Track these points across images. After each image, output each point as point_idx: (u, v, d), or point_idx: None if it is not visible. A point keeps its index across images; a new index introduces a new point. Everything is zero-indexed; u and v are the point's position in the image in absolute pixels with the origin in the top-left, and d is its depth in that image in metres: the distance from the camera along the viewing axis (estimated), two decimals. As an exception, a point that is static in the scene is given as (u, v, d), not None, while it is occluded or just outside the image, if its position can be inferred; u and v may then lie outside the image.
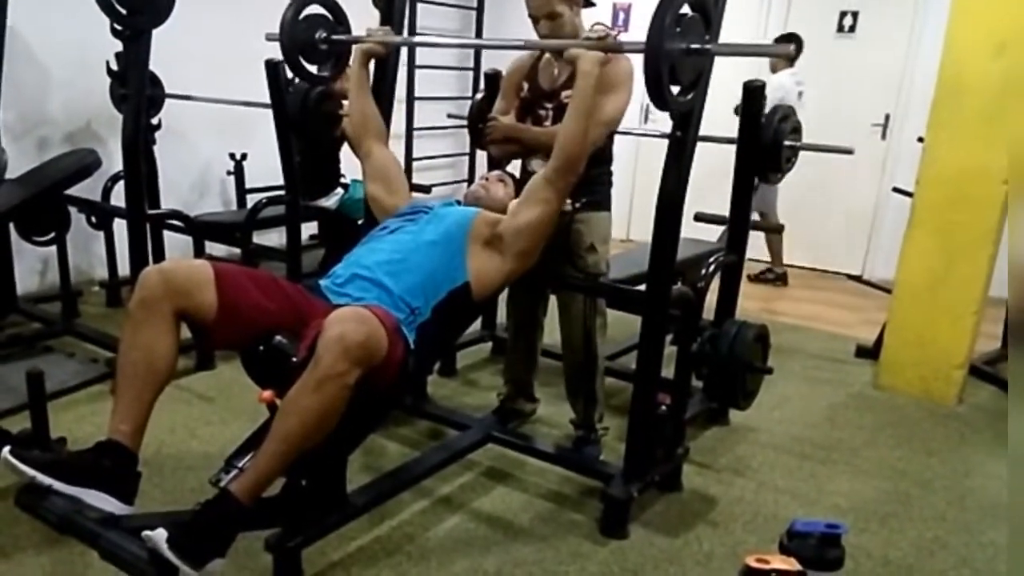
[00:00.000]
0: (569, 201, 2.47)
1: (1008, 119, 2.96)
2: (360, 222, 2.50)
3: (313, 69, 2.50)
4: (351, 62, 2.40)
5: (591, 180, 2.36)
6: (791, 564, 1.61)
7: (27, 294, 3.82)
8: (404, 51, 4.43)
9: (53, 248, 3.56)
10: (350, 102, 2.41)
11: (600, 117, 2.27)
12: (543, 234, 2.18)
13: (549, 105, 2.46)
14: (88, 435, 2.40)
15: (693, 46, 1.82)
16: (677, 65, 1.81)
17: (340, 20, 2.48)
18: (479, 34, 6.28)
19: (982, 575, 2.22)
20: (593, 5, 2.50)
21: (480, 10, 6.24)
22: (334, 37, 2.44)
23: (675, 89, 1.88)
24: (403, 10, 2.61)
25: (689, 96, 1.91)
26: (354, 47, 2.38)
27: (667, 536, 2.28)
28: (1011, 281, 1.33)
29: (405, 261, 2.03)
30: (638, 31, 5.78)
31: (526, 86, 2.53)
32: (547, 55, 2.50)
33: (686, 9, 1.81)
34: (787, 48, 1.96)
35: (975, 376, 3.50)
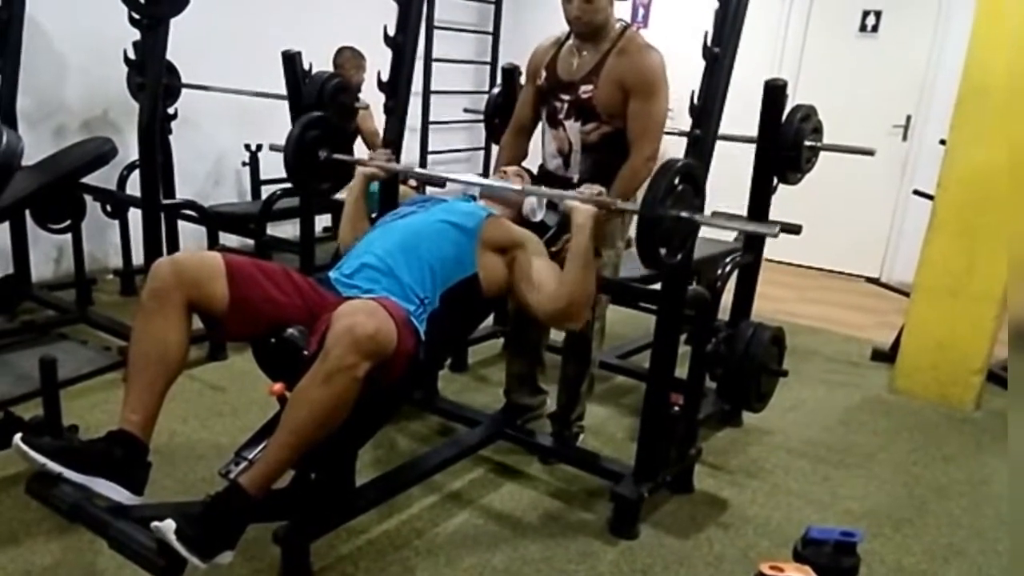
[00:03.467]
0: None
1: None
2: (373, 215, 2.50)
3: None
4: (352, 183, 2.45)
5: (606, 185, 2.32)
6: (805, 572, 1.59)
7: (42, 281, 3.84)
8: (421, 44, 4.41)
9: (68, 236, 3.57)
10: (344, 220, 2.44)
11: (648, 130, 2.27)
12: (523, 307, 2.19)
13: (566, 97, 2.41)
14: (100, 423, 2.40)
15: (683, 215, 1.90)
16: (668, 230, 1.88)
17: (343, 140, 2.59)
18: (496, 28, 6.25)
19: (998, 585, 2.19)
20: None
21: (498, 3, 6.21)
22: (335, 157, 2.51)
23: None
24: (420, 7, 2.60)
25: (678, 257, 1.97)
26: (357, 170, 2.44)
27: (677, 537, 2.26)
28: (1011, 284, 1.31)
29: (415, 247, 2.02)
30: (657, 27, 5.76)
31: (544, 74, 2.47)
32: (569, 43, 2.45)
33: (678, 181, 1.87)
34: (772, 228, 2.04)
35: (993, 382, 3.45)
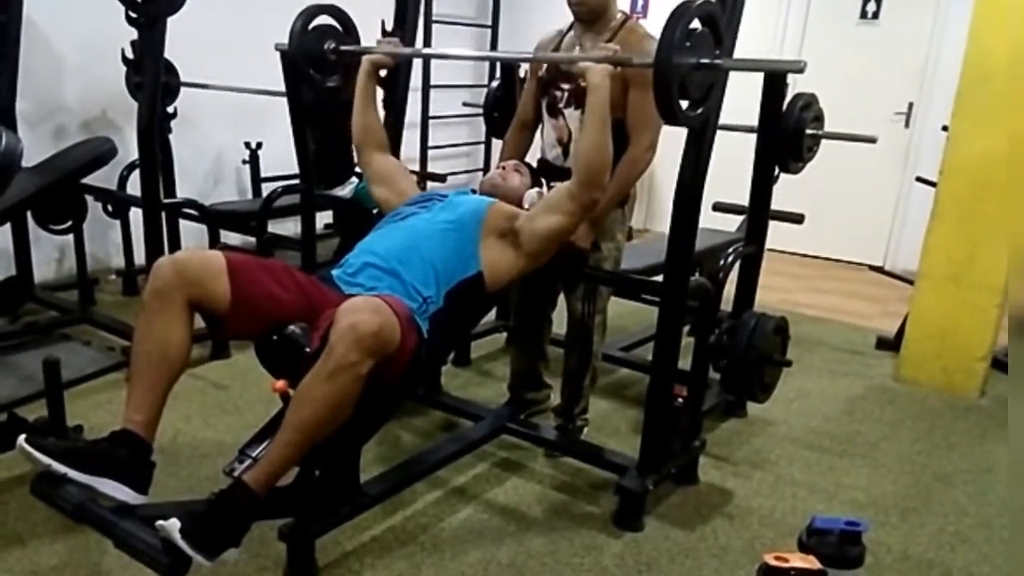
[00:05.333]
0: None
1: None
2: (375, 211, 2.50)
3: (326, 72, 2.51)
4: (359, 73, 2.39)
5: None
6: (811, 562, 1.59)
7: (44, 282, 3.84)
8: (420, 38, 4.40)
9: (70, 236, 3.57)
10: (354, 112, 2.40)
11: (648, 121, 2.26)
12: (558, 241, 2.17)
13: (566, 86, 2.42)
14: (104, 423, 2.39)
15: (703, 60, 1.80)
16: (687, 80, 1.79)
17: (349, 31, 2.48)
18: (495, 21, 6.23)
19: (1003, 571, 2.18)
20: None
21: (497, -8, 6.18)
22: (342, 48, 2.44)
23: (685, 104, 1.85)
24: (418, 1, 2.59)
25: (700, 110, 1.88)
26: (363, 58, 2.37)
27: (683, 529, 2.26)
28: (1012, 274, 1.30)
29: (418, 248, 2.02)
30: (657, 16, 5.74)
31: (545, 65, 2.49)
32: (570, 34, 2.46)
33: (696, 24, 1.78)
34: (798, 64, 1.97)
35: (997, 369, 3.44)
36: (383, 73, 2.46)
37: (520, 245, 2.11)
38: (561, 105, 2.43)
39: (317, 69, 2.45)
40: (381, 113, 2.52)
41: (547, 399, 2.83)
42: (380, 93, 2.50)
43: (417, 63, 3.36)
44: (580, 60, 2.06)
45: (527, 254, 2.12)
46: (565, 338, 2.64)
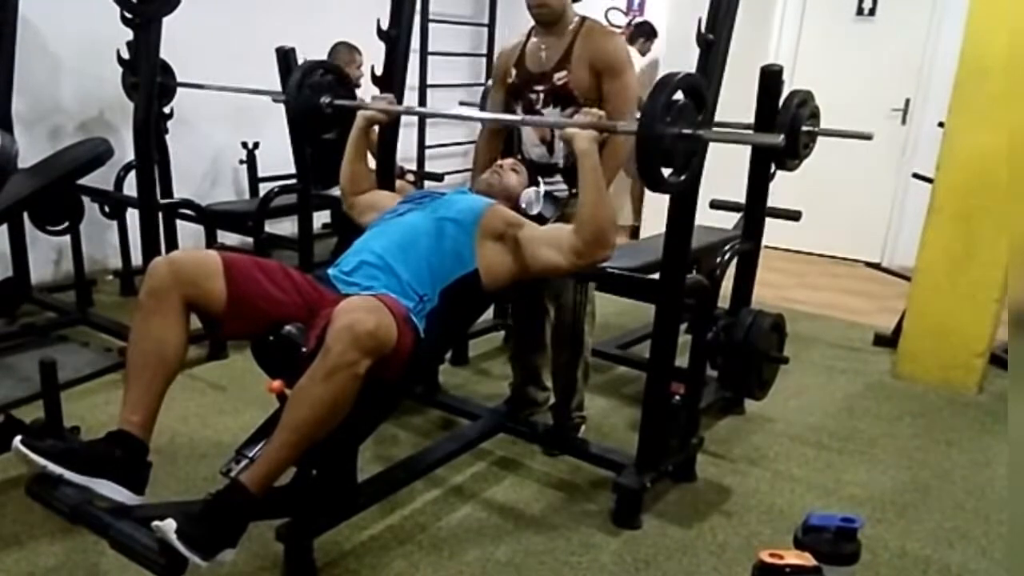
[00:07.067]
0: (565, 187, 2.45)
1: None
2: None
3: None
4: (354, 127, 2.41)
5: None
6: (806, 559, 1.58)
7: (41, 283, 3.84)
8: (416, 38, 4.40)
9: (67, 238, 3.56)
10: (345, 161, 2.41)
11: (626, 104, 2.32)
12: (554, 275, 2.23)
13: (540, 88, 2.45)
14: (102, 424, 2.40)
15: (685, 131, 1.84)
16: (670, 149, 1.83)
17: (344, 84, 2.56)
18: (492, 20, 6.22)
19: (1002, 567, 2.18)
20: None
21: (493, -7, 6.18)
22: (337, 102, 2.49)
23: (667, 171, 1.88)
24: (414, 0, 2.59)
25: (682, 177, 1.92)
26: (358, 113, 2.40)
27: (680, 527, 2.26)
28: (1011, 269, 1.30)
29: (414, 245, 2.02)
30: (653, 14, 5.73)
31: (513, 72, 2.52)
32: (534, 38, 2.49)
33: (679, 95, 1.82)
34: (775, 139, 2.01)
35: (996, 365, 3.44)
36: (376, 128, 2.51)
37: (518, 255, 2.10)
38: (539, 106, 2.47)
39: (314, 122, 2.52)
40: (372, 163, 2.57)
41: (547, 401, 2.84)
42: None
43: (413, 60, 3.35)
44: (566, 126, 2.08)
45: (523, 267, 2.12)
46: (553, 332, 2.64)
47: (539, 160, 2.54)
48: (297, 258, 3.59)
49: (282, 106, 3.41)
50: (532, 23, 2.50)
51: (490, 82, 3.19)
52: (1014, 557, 1.17)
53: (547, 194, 2.35)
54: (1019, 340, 1.24)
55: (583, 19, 2.45)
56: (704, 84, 1.90)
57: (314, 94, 2.48)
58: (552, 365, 2.70)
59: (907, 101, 5.30)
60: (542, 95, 2.45)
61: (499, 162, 2.47)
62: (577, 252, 2.02)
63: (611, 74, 2.35)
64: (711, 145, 2.08)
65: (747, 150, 2.81)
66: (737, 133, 1.86)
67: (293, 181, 3.81)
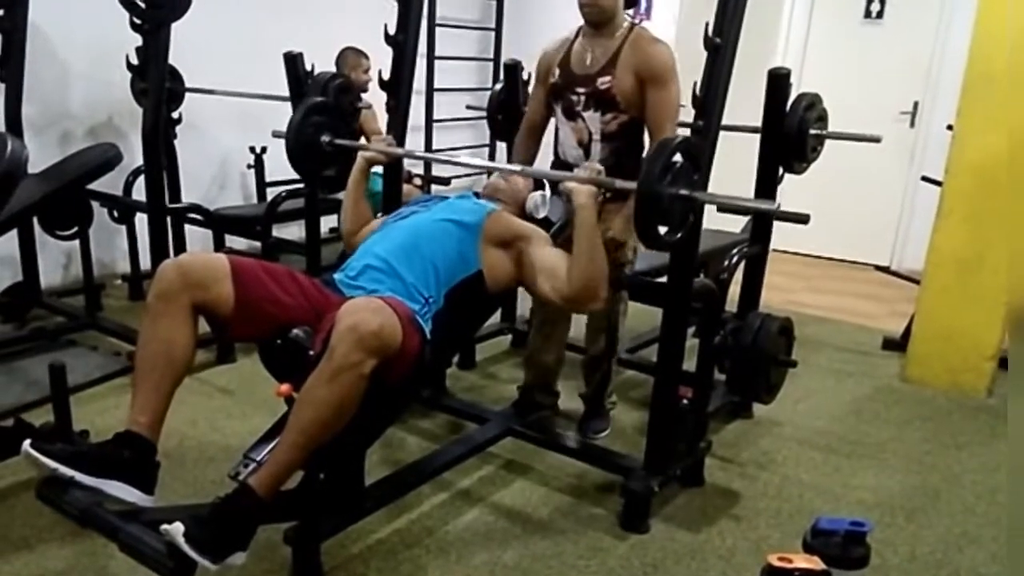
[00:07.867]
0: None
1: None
2: (379, 215, 2.51)
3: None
4: (354, 168, 2.42)
5: (626, 173, 2.31)
6: (815, 563, 1.58)
7: (50, 288, 3.85)
8: (423, 42, 4.40)
9: (76, 242, 3.58)
10: (345, 203, 2.42)
11: (668, 116, 2.33)
12: (545, 302, 2.24)
13: (582, 90, 2.44)
14: (111, 428, 2.37)
15: (681, 192, 1.89)
16: (667, 209, 1.87)
17: (346, 123, 2.60)
18: (499, 24, 6.23)
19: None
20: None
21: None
22: (337, 142, 2.50)
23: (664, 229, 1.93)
24: (420, 5, 2.59)
25: (678, 235, 1.96)
26: (358, 154, 2.41)
27: (689, 531, 2.25)
28: (1011, 274, 1.30)
29: (418, 247, 2.02)
30: (659, 16, 5.73)
31: (557, 72, 2.50)
32: (580, 39, 2.49)
33: (677, 157, 1.87)
34: (771, 205, 2.08)
35: (1006, 368, 3.42)
36: (378, 169, 2.54)
37: (519, 270, 2.12)
38: (579, 108, 2.46)
39: (315, 160, 2.54)
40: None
41: (554, 406, 2.84)
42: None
43: (420, 65, 3.36)
44: (567, 179, 2.10)
45: (522, 283, 2.14)
46: (587, 327, 2.69)
47: (575, 163, 2.53)
48: (305, 262, 3.60)
49: (289, 110, 3.44)
50: (549, 29, 2.51)
51: (498, 86, 3.21)
52: (1014, 557, 1.16)
53: (553, 197, 2.35)
54: (1019, 342, 1.23)
55: (633, 25, 2.44)
56: (701, 147, 1.96)
57: (315, 132, 2.49)
58: (586, 357, 2.74)
59: (915, 104, 5.28)
60: (583, 97, 2.44)
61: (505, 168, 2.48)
62: (564, 298, 2.06)
63: (656, 84, 2.33)
64: (719, 147, 2.10)
65: (755, 152, 2.81)
66: (731, 198, 1.95)
67: (301, 186, 3.82)
